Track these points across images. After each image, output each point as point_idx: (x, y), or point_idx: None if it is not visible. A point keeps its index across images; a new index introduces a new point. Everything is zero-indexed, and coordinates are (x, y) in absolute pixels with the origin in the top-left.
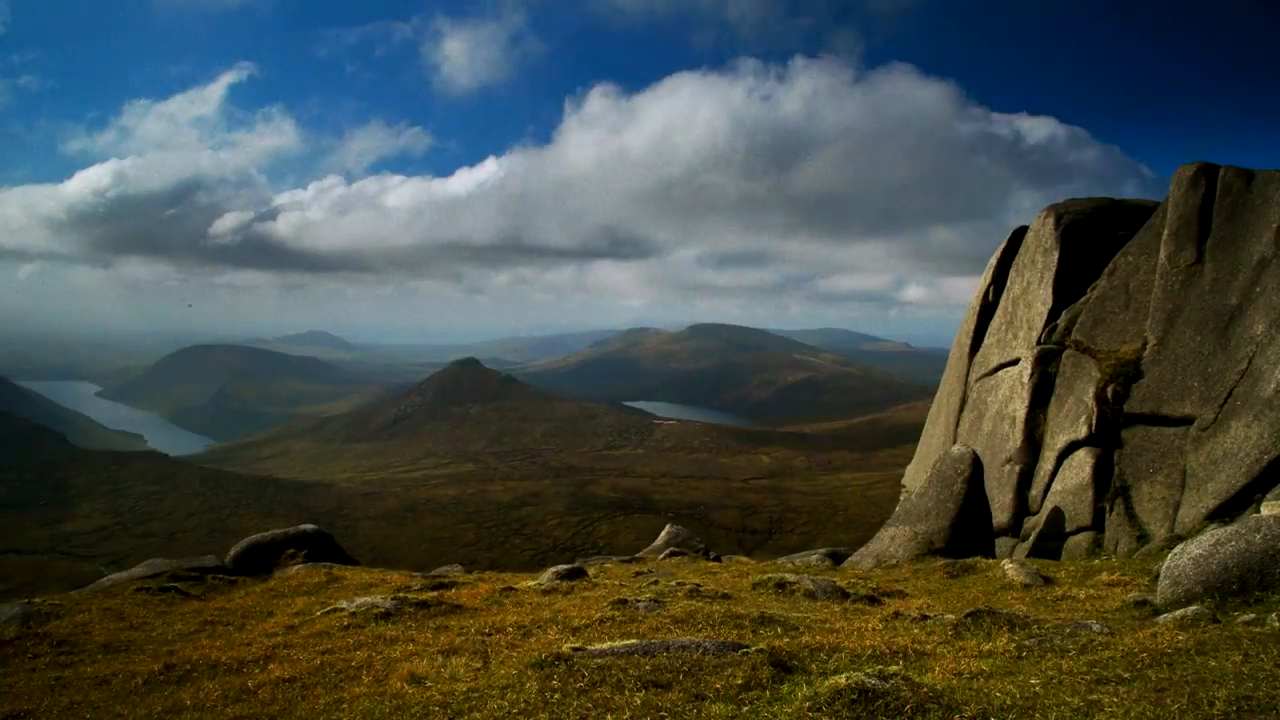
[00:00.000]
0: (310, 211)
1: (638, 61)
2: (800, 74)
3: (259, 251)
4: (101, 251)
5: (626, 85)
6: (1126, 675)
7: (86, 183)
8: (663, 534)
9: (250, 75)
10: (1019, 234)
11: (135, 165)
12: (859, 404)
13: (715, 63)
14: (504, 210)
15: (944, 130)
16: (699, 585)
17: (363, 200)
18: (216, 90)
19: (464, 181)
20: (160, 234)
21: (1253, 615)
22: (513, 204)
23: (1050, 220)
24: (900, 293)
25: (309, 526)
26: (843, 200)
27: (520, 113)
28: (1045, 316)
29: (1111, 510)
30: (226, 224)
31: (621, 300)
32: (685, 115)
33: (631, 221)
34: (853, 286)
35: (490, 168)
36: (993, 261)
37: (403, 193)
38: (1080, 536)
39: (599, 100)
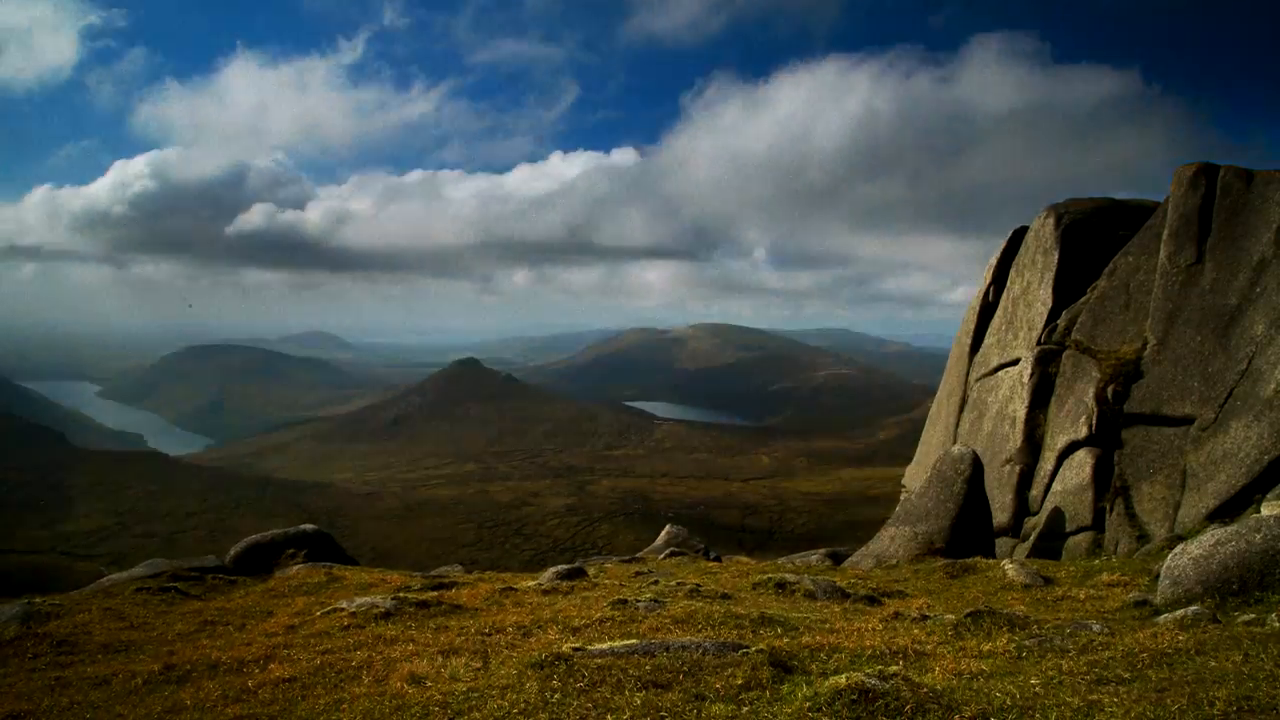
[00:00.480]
0: (345, 208)
1: (769, 43)
2: (965, 61)
3: (280, 250)
4: (122, 251)
5: (751, 72)
6: (1127, 675)
7: (119, 180)
8: (663, 534)
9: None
10: (1019, 234)
11: (177, 157)
12: (859, 404)
13: (856, 46)
14: (574, 209)
15: (1113, 120)
16: (699, 585)
17: (404, 196)
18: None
19: (524, 178)
20: (188, 233)
21: (1253, 615)
22: (584, 201)
23: (1050, 220)
24: (947, 294)
25: (309, 526)
26: (983, 196)
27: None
28: (1045, 316)
29: (1111, 510)
30: (252, 221)
31: (633, 300)
32: (828, 102)
33: (718, 221)
34: (904, 288)
35: (556, 164)
36: (992, 261)
37: (458, 190)
38: (1080, 536)
39: (716, 91)
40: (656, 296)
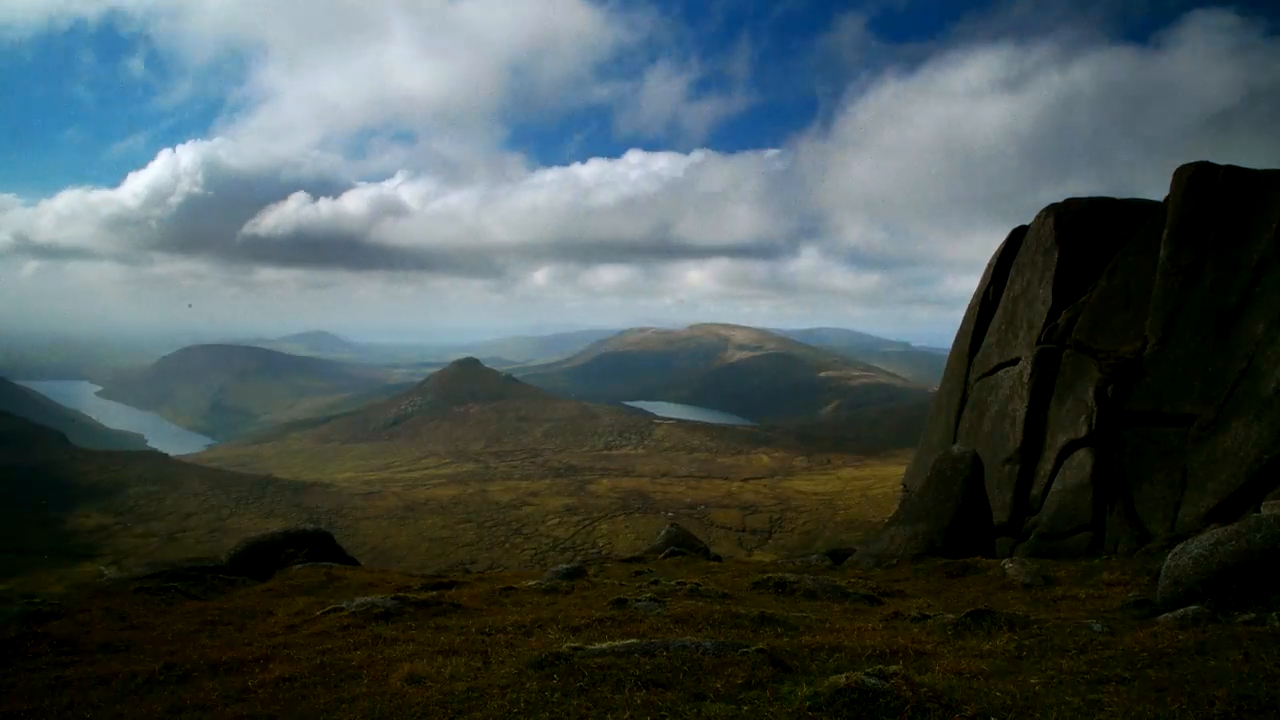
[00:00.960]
0: (390, 203)
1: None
2: (1181, 42)
3: (301, 248)
4: (140, 249)
5: (900, 60)
6: (1127, 675)
7: (163, 174)
8: (662, 534)
9: None
10: (1018, 233)
11: (224, 147)
12: (860, 403)
13: (1022, 37)
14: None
15: None
16: (699, 585)
17: (457, 187)
18: None
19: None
20: (218, 230)
21: (1253, 615)
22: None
23: (1050, 220)
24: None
25: (309, 526)
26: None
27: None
28: (1045, 316)
29: (1112, 510)
30: (284, 216)
31: (639, 300)
32: (997, 91)
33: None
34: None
35: (632, 160)
36: (992, 261)
37: (519, 184)
38: (1080, 536)
39: (859, 84)
40: (671, 295)
